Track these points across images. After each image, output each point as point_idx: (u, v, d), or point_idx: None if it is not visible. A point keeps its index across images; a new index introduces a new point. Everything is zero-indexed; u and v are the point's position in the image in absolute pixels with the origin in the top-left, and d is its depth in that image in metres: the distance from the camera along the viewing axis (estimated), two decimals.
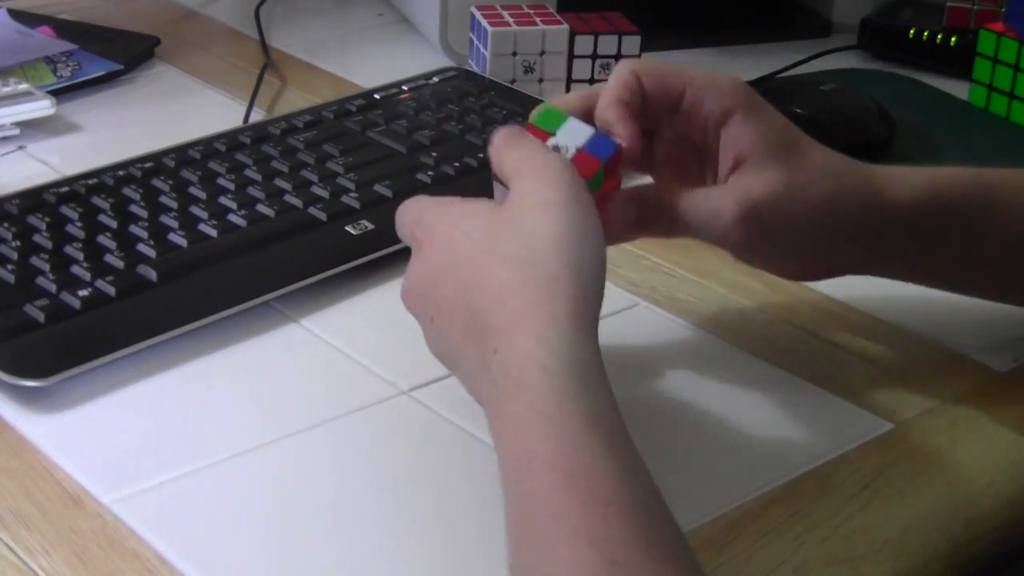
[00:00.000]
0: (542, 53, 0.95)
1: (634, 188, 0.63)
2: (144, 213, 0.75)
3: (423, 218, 0.58)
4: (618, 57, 0.96)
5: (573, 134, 0.60)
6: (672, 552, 0.45)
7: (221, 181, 0.79)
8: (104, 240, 0.72)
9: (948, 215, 0.65)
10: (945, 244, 0.66)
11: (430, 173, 0.81)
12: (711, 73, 0.63)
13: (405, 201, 0.60)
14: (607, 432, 0.48)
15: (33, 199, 0.76)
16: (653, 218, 0.62)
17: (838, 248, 0.64)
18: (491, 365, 0.51)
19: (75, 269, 0.70)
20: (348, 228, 0.75)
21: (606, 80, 0.63)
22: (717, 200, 0.62)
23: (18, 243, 0.72)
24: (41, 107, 0.90)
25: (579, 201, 0.54)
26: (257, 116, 0.94)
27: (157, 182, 0.79)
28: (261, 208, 0.76)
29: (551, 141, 0.59)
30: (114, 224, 0.74)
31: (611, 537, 0.44)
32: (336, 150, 0.83)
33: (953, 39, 1.04)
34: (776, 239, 0.63)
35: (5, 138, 0.89)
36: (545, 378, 0.49)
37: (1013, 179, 0.67)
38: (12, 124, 0.89)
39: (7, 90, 0.90)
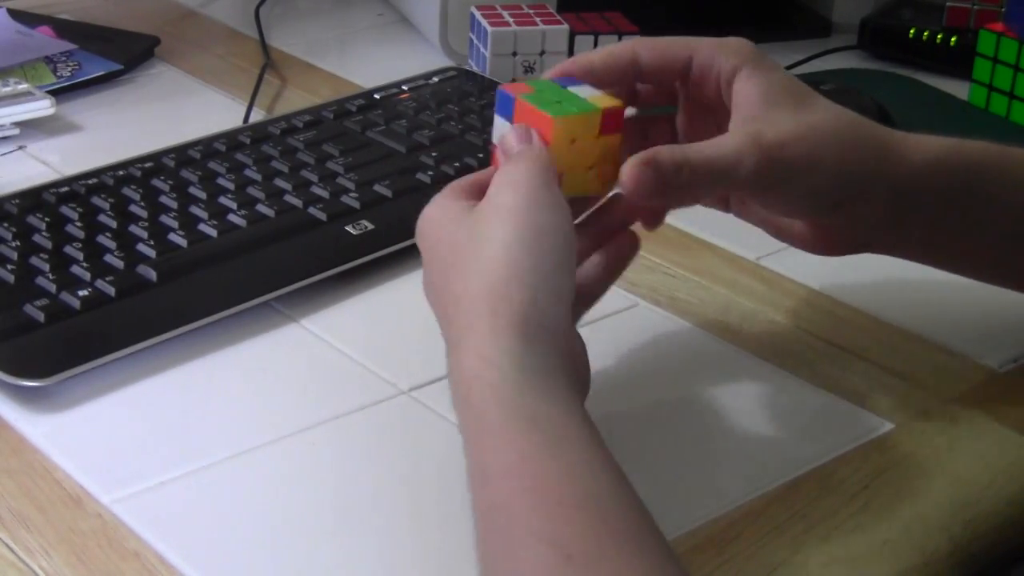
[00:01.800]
0: (542, 53, 0.95)
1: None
2: (144, 213, 0.75)
3: (421, 223, 0.59)
4: None
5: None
6: (630, 541, 0.46)
7: (221, 181, 0.79)
8: (104, 240, 0.72)
9: (962, 176, 0.64)
10: (958, 208, 0.64)
11: (430, 173, 0.81)
12: (717, 39, 0.63)
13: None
14: (556, 434, 0.49)
15: (33, 199, 0.76)
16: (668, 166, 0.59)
17: (854, 195, 0.62)
18: (450, 377, 0.53)
19: (75, 269, 0.70)
20: (348, 228, 0.75)
21: None
22: (737, 138, 0.60)
23: (18, 243, 0.72)
24: (41, 107, 0.90)
25: (537, 202, 0.54)
26: (257, 116, 0.94)
27: (157, 182, 0.79)
28: (261, 208, 0.76)
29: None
30: (114, 224, 0.74)
31: (565, 534, 0.45)
32: (336, 150, 0.83)
33: (953, 39, 1.04)
34: (794, 179, 0.60)
35: (5, 138, 0.89)
36: (488, 393, 0.50)
37: None
38: (12, 124, 0.89)
39: (7, 90, 0.90)
